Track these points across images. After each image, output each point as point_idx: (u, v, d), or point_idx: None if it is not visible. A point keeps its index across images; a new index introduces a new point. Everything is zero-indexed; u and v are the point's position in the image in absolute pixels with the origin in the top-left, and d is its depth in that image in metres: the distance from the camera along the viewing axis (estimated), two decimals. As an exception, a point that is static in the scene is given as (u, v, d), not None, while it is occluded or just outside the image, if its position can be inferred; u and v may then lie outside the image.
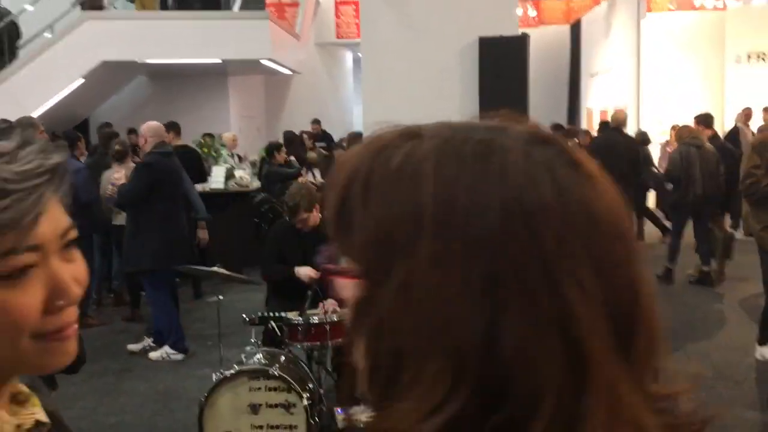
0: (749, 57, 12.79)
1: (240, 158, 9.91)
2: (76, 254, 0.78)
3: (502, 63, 5.16)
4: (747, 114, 11.19)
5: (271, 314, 4.19)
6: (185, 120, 9.80)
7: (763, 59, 12.81)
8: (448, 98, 5.38)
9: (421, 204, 0.53)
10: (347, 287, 0.59)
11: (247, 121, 13.50)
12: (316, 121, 13.91)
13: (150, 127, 5.46)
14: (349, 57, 17.19)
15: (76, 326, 0.77)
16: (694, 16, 13.30)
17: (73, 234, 0.77)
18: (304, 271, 4.58)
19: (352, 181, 0.58)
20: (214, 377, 3.85)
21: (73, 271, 0.76)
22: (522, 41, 5.16)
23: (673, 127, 11.63)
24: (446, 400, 0.51)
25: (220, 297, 4.40)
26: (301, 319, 4.11)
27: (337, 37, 15.25)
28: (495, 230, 0.52)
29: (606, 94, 14.59)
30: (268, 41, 10.35)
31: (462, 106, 5.36)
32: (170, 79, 12.10)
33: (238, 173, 8.84)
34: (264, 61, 10.93)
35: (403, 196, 0.55)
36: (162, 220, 5.58)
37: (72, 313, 0.76)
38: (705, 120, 8.13)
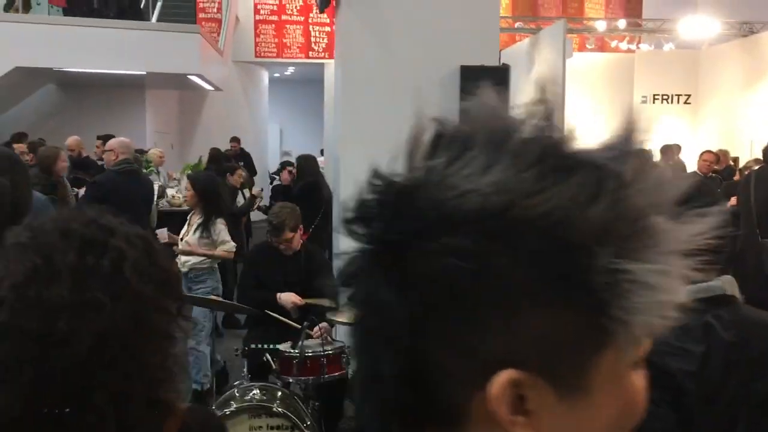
0: (654, 98, 13.61)
1: (168, 176, 9.44)
2: None
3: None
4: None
5: (264, 346, 3.93)
6: (97, 132, 9.27)
7: (667, 101, 13.67)
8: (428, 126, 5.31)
9: None
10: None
11: (161, 137, 12.95)
12: (235, 139, 13.52)
13: (121, 143, 5.06)
14: (265, 76, 16.89)
15: None
16: (609, 57, 14.01)
17: None
18: (287, 298, 4.36)
19: None
20: (210, 415, 3.55)
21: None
22: (504, 71, 5.19)
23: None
24: None
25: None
26: (294, 351, 3.89)
27: (256, 56, 14.94)
28: None
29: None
30: (198, 55, 9.98)
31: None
32: (80, 89, 11.43)
33: (170, 192, 8.40)
34: (192, 77, 10.52)
35: None
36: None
37: None
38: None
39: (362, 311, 0.57)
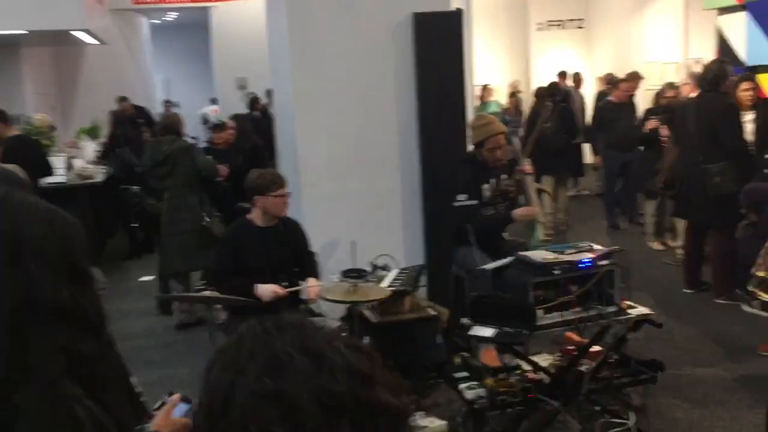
0: (549, 24, 13.79)
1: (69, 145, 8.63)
2: None
3: (437, 38, 4.95)
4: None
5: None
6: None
7: (560, 26, 13.88)
8: (383, 74, 5.05)
9: None
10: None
11: (41, 99, 11.84)
12: (124, 99, 12.57)
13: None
14: (145, 24, 15.72)
15: None
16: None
17: None
18: (266, 290, 4.03)
19: None
20: None
21: None
22: (457, 16, 4.98)
23: (484, 87, 12.41)
24: None
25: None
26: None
27: (135, 2, 13.84)
28: None
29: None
30: (83, 9, 9.05)
31: (398, 83, 5.07)
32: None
33: (77, 163, 7.69)
34: (77, 33, 9.56)
35: None
36: None
37: None
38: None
39: None
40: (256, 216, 4.25)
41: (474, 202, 4.61)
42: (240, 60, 13.48)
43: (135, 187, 6.68)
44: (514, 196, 4.91)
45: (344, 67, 4.97)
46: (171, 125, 6.11)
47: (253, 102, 10.23)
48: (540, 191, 6.58)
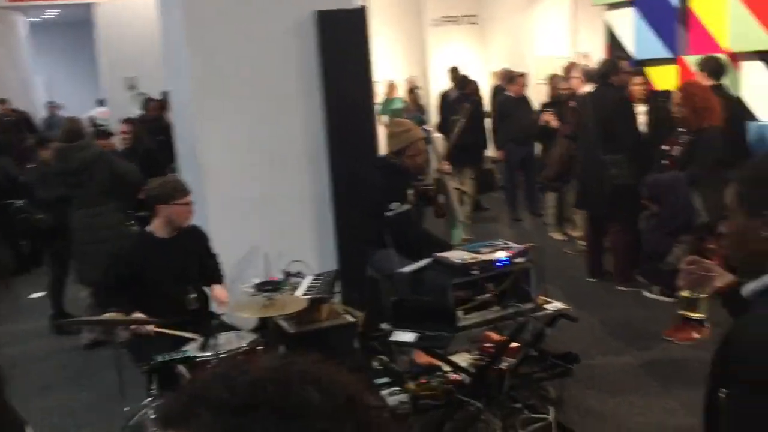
0: (444, 20, 13.95)
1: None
2: None
3: (342, 36, 4.83)
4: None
5: (174, 356, 3.44)
6: None
7: (454, 22, 14.07)
8: (288, 74, 4.89)
9: None
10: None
11: None
12: (2, 101, 11.79)
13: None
14: (23, 22, 14.77)
15: None
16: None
17: None
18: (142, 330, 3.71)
19: None
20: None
21: None
22: (361, 13, 4.87)
23: (389, 84, 12.39)
24: None
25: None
26: (208, 353, 3.47)
27: (9, 0, 12.98)
28: None
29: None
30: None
31: (303, 82, 4.92)
32: None
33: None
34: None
35: None
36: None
37: None
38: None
39: None
40: (157, 226, 4.02)
41: (407, 207, 4.55)
42: (129, 59, 12.85)
43: (19, 201, 6.18)
44: (434, 196, 4.88)
45: (246, 67, 4.78)
46: (77, 131, 5.69)
47: (147, 103, 9.79)
48: (461, 192, 6.62)
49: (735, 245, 1.82)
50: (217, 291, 4.09)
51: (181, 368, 3.40)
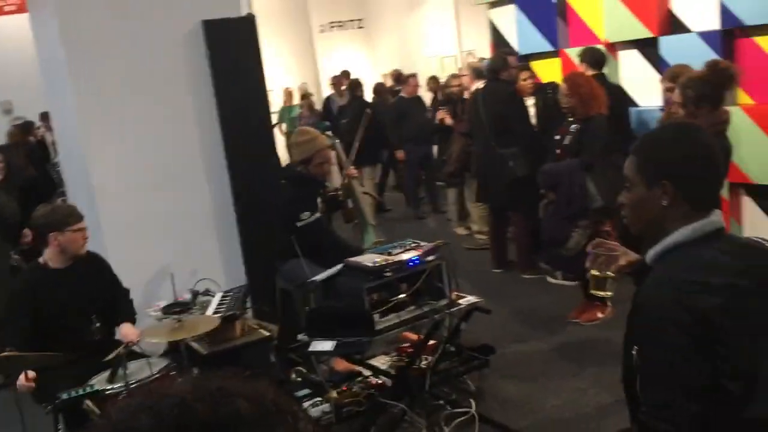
0: (331, 26, 13.96)
1: None
2: None
3: (231, 46, 4.73)
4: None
5: (80, 392, 3.26)
6: None
7: (341, 27, 14.11)
8: (178, 88, 4.74)
9: None
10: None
11: None
12: None
13: None
14: None
15: None
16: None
17: None
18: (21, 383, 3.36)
19: None
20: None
21: None
22: (249, 22, 4.78)
23: (287, 91, 12.25)
24: None
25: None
26: (117, 385, 3.31)
27: None
28: None
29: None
30: None
31: (195, 95, 4.78)
32: None
33: None
34: None
35: None
36: None
37: None
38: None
39: None
40: (51, 257, 3.79)
41: (317, 216, 4.49)
42: (2, 81, 12.13)
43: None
44: (343, 200, 4.86)
45: (134, 83, 4.59)
46: None
47: (27, 128, 9.26)
48: (368, 195, 6.61)
49: (635, 215, 1.91)
50: (125, 329, 3.83)
51: (89, 404, 3.22)
